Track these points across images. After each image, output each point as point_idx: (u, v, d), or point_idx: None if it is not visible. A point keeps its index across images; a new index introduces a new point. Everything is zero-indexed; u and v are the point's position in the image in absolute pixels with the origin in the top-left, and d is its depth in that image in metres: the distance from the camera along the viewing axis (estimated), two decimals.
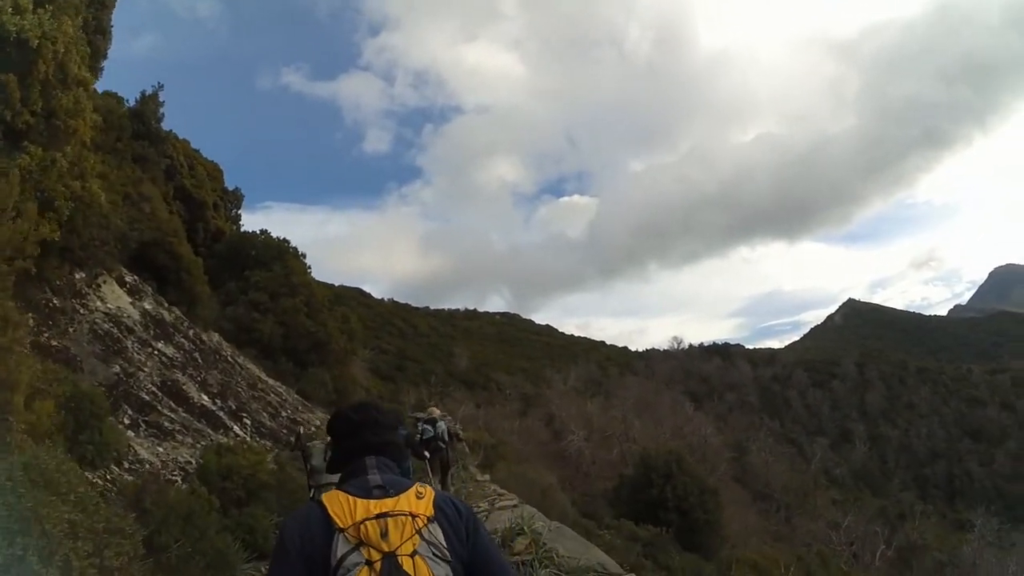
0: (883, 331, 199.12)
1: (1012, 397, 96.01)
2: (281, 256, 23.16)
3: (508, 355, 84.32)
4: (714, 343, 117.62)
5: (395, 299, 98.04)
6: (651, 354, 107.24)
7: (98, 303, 12.62)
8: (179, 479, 9.55)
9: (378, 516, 2.06)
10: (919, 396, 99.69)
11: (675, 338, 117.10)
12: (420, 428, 12.65)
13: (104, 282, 13.43)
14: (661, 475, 26.86)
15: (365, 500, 2.12)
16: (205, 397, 12.44)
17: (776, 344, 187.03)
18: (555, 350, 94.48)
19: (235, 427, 12.29)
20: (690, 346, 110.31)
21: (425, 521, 2.09)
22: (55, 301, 11.83)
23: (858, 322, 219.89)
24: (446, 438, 14.35)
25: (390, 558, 1.99)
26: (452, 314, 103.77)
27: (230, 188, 28.97)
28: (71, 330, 11.61)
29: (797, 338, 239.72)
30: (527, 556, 7.80)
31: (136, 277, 14.85)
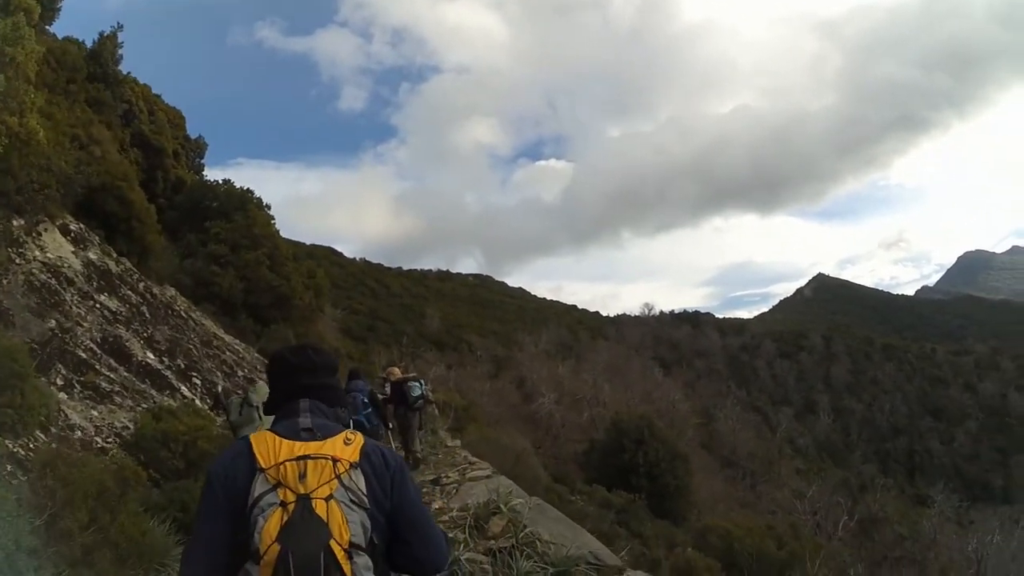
0: (851, 307, 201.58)
1: (974, 379, 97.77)
2: (243, 206, 21.80)
3: (480, 317, 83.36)
4: (684, 311, 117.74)
5: (367, 259, 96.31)
6: (622, 319, 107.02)
7: (36, 252, 11.59)
8: (114, 446, 8.69)
9: (299, 458, 2.02)
10: (884, 372, 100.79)
11: (646, 304, 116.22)
12: (408, 385, 12.01)
13: (45, 230, 12.37)
14: (633, 440, 26.69)
15: (291, 442, 2.09)
16: (151, 355, 11.44)
17: (745, 314, 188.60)
18: (527, 313, 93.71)
19: (183, 388, 11.33)
20: (661, 313, 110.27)
21: (348, 467, 2.05)
22: None
23: (827, 297, 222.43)
24: (430, 397, 13.82)
25: (304, 500, 1.96)
26: (424, 275, 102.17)
27: (193, 137, 27.46)
28: (5, 282, 10.61)
29: (766, 309, 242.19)
30: (504, 541, 6.63)
31: (82, 225, 13.70)
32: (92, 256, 12.94)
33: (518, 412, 41.23)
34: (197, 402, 11.04)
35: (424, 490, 9.72)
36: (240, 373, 14.28)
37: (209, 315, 17.73)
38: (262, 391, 6.16)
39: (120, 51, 21.74)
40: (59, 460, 5.72)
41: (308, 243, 76.77)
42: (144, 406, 9.87)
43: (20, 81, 11.92)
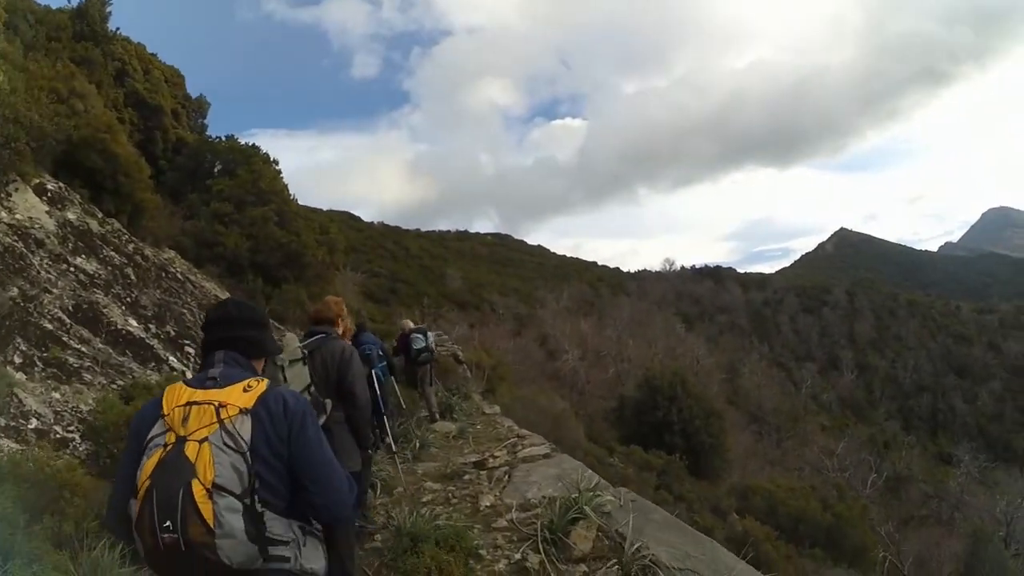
0: (874, 262, 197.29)
1: (999, 338, 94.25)
2: (248, 161, 19.96)
3: (501, 275, 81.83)
4: (706, 265, 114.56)
5: (385, 222, 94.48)
6: (643, 275, 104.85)
7: (2, 214, 9.99)
8: (76, 435, 7.15)
9: (187, 403, 2.08)
10: (907, 329, 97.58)
11: (667, 260, 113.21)
12: (411, 337, 11.31)
13: (16, 190, 10.75)
14: (666, 397, 25.53)
15: (192, 389, 2.15)
16: (133, 322, 9.77)
17: (767, 269, 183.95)
18: (547, 270, 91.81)
19: (172, 358, 9.60)
20: (682, 268, 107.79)
21: (236, 412, 2.07)
22: None
23: (849, 252, 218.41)
24: (457, 355, 12.29)
25: (180, 441, 2.00)
26: (443, 235, 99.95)
27: (194, 96, 25.49)
28: None
29: (788, 264, 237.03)
30: (601, 564, 4.59)
31: (62, 184, 12.04)
32: (71, 216, 11.30)
33: (543, 370, 40.66)
34: (189, 373, 9.45)
35: (466, 475, 7.90)
36: None
37: (213, 277, 16.05)
38: (290, 345, 4.75)
39: (109, 9, 19.89)
40: None
41: (325, 209, 75.06)
42: (120, 383, 8.26)
43: None
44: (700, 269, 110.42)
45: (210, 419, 2.01)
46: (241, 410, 2.06)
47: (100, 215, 12.62)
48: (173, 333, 10.31)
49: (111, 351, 8.85)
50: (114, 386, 8.12)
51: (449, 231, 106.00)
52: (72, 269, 9.96)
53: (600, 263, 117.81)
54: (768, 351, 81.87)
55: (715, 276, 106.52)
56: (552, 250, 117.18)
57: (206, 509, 1.89)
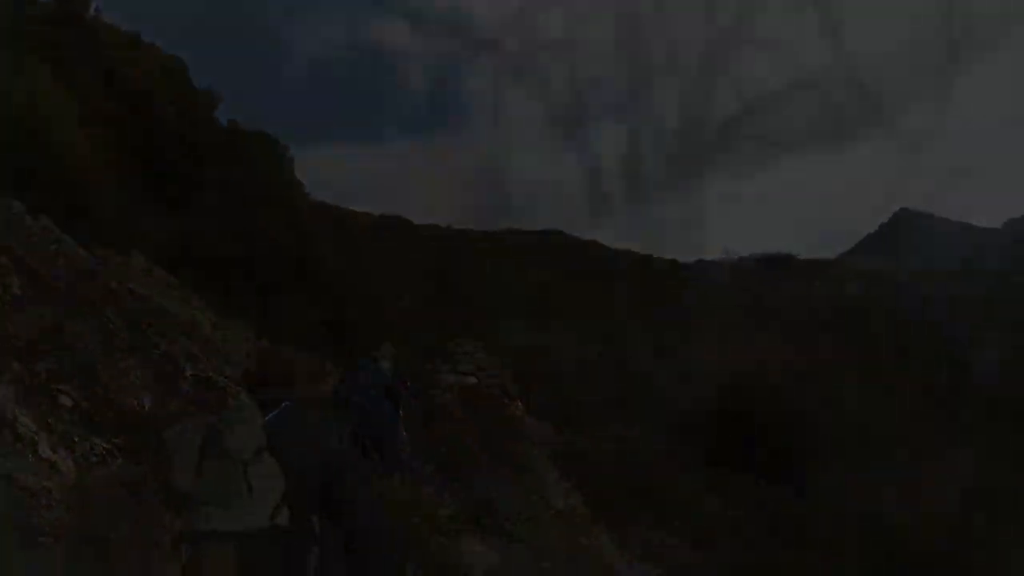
0: (938, 242, 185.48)
1: None
2: (249, 149, 16.30)
3: (560, 275, 78.15)
4: (769, 254, 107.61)
5: (438, 224, 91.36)
6: (703, 265, 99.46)
7: None
8: None
9: None
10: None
11: (726, 249, 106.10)
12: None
13: None
14: (749, 402, 22.95)
15: None
16: None
17: (830, 255, 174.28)
18: (604, 266, 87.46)
19: (22, 417, 5.50)
20: (740, 259, 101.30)
21: None
22: None
23: (909, 232, 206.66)
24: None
25: None
26: (499, 235, 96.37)
27: (201, 87, 21.71)
28: None
29: (852, 246, 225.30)
30: None
31: None
32: None
33: (609, 374, 37.07)
34: (44, 444, 5.56)
35: None
36: (190, 373, 8.75)
37: (187, 286, 12.29)
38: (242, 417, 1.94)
39: None
40: None
41: (377, 213, 72.24)
42: None
43: None
44: (761, 258, 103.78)
45: None
46: None
47: (16, 210, 9.04)
48: (45, 374, 6.44)
49: None
50: None
51: (505, 230, 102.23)
52: None
53: (656, 256, 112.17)
54: (843, 343, 75.89)
55: (781, 265, 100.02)
56: (607, 245, 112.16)
57: None
